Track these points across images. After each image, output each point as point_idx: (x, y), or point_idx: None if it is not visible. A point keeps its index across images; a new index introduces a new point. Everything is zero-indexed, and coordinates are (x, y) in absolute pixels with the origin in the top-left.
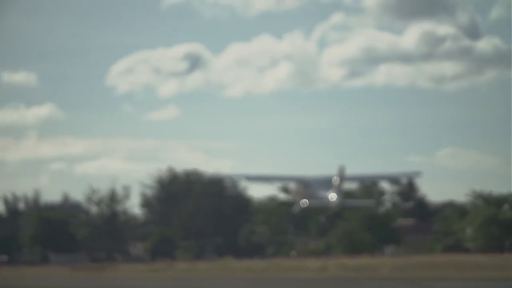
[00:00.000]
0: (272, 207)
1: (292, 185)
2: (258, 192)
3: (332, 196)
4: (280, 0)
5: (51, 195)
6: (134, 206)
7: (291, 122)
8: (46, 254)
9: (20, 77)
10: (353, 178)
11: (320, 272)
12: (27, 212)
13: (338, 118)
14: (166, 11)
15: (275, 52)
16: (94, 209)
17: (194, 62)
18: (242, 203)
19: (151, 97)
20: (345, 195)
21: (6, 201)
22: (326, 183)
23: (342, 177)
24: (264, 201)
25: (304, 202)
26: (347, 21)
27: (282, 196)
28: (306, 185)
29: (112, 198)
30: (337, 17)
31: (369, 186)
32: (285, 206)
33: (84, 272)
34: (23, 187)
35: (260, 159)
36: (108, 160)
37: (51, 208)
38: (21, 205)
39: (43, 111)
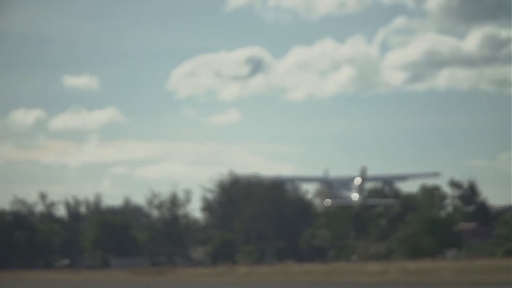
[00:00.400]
0: (333, 210)
1: (317, 186)
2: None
3: (354, 196)
4: (342, 3)
5: (112, 199)
6: (195, 210)
7: (352, 126)
8: (107, 258)
9: (83, 81)
10: (373, 179)
11: (381, 276)
12: (88, 216)
13: (399, 122)
14: (228, 14)
15: (337, 55)
16: (155, 213)
17: (256, 66)
18: (303, 206)
19: (213, 101)
20: (407, 198)
21: (67, 205)
22: (348, 183)
23: (364, 178)
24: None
25: (328, 201)
26: (409, 24)
27: None
28: (330, 186)
29: (173, 202)
30: (399, 21)
31: (430, 190)
32: (346, 209)
33: (144, 276)
34: (85, 191)
35: (321, 162)
36: (169, 164)
37: (112, 212)
38: (83, 209)
39: (105, 115)
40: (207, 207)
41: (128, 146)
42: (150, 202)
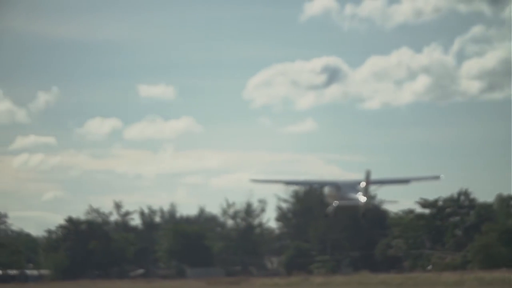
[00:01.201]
0: (408, 220)
1: (326, 189)
2: (395, 205)
3: (360, 198)
4: (419, 12)
5: (187, 208)
6: (269, 219)
7: (428, 135)
8: (182, 268)
9: (159, 90)
10: (376, 182)
11: (457, 287)
12: (163, 226)
13: (476, 131)
14: (305, 24)
15: (413, 64)
16: (229, 223)
17: (332, 75)
18: (379, 216)
19: (288, 110)
20: (483, 207)
21: (142, 215)
22: (355, 186)
23: (368, 181)
24: (400, 214)
25: (336, 203)
26: (487, 33)
27: (419, 209)
28: (338, 189)
29: (248, 211)
30: (476, 30)
31: (506, 199)
32: (422, 219)
33: (219, 286)
34: (160, 201)
35: (397, 171)
36: (244, 173)
37: (187, 221)
38: (157, 219)
39: (180, 124)
40: (282, 216)
41: (203, 155)
42: (224, 212)
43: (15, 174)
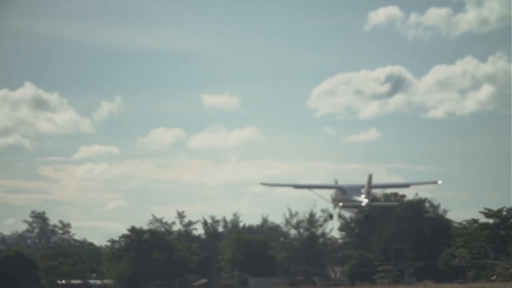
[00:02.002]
0: (472, 230)
1: (332, 192)
2: (458, 215)
3: (362, 199)
4: (484, 21)
5: (250, 218)
6: (333, 229)
7: (492, 144)
8: (245, 278)
9: (223, 100)
10: (378, 186)
11: None
12: (226, 235)
13: None
14: (369, 33)
15: (478, 74)
16: (292, 232)
17: (396, 84)
18: (442, 226)
19: (352, 120)
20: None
21: (205, 224)
22: (358, 189)
23: (370, 185)
24: (464, 224)
25: (340, 204)
26: None
27: (483, 219)
28: (343, 192)
29: (311, 221)
30: None
31: None
32: (486, 229)
33: None
34: (223, 210)
35: (462, 180)
36: (308, 183)
37: (249, 231)
38: (220, 228)
39: (244, 134)
40: (345, 226)
41: (267, 165)
42: (287, 222)
43: (79, 184)
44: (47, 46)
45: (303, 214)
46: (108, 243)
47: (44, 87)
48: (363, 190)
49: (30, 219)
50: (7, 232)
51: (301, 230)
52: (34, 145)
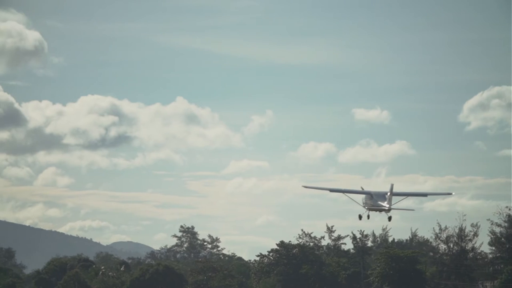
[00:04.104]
0: None
1: (363, 197)
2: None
3: (385, 204)
4: None
5: (399, 232)
6: (482, 244)
7: None
8: None
9: (374, 114)
10: (399, 194)
11: None
12: (375, 250)
13: None
14: None
15: None
16: (442, 247)
17: None
18: None
19: (504, 134)
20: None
21: (354, 239)
22: (384, 195)
23: (391, 192)
24: None
25: (367, 207)
26: None
27: None
28: (371, 197)
29: (461, 236)
30: None
31: None
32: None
33: None
34: (372, 225)
35: None
36: (457, 197)
37: (398, 245)
38: (369, 243)
39: (394, 148)
40: (495, 241)
41: (416, 179)
42: (437, 236)
43: (228, 198)
44: (199, 61)
45: (452, 229)
46: (257, 258)
47: (196, 102)
48: (387, 196)
49: (179, 234)
50: (156, 247)
51: (451, 245)
52: (184, 160)
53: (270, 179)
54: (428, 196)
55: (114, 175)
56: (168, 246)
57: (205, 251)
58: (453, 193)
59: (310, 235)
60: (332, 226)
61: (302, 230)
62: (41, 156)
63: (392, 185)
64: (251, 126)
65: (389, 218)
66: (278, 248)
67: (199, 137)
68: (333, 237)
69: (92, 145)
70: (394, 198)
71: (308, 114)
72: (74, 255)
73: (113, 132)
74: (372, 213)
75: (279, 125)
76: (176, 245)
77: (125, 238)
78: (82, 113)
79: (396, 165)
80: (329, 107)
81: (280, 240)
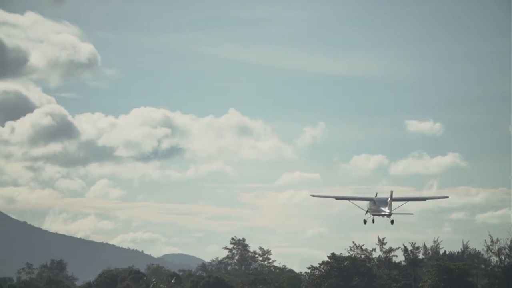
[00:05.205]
0: None
1: (367, 203)
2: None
3: (386, 209)
4: None
5: (451, 244)
6: None
7: None
8: None
9: (426, 126)
10: (399, 199)
11: None
12: (426, 262)
13: None
14: None
15: None
16: (494, 259)
17: None
18: None
19: None
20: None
21: (406, 251)
22: (386, 201)
23: (391, 199)
24: None
25: (370, 211)
26: None
27: None
28: (374, 203)
29: None
30: None
31: None
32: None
33: None
34: (424, 236)
35: None
36: (510, 209)
37: (450, 258)
38: (421, 255)
39: (446, 160)
40: None
41: (469, 191)
42: (488, 249)
43: (279, 210)
44: (251, 72)
45: (504, 241)
46: (308, 270)
47: (248, 114)
48: (388, 202)
49: (230, 246)
50: (207, 259)
51: (502, 257)
52: (236, 172)
53: (321, 191)
54: (465, 211)
55: (166, 187)
56: (219, 258)
57: (256, 263)
58: (449, 196)
59: (361, 247)
60: (383, 238)
61: (353, 242)
62: (93, 168)
63: (391, 192)
64: (303, 138)
65: (392, 222)
66: (329, 260)
67: (252, 149)
68: (384, 249)
69: (145, 157)
70: (396, 204)
71: (360, 126)
72: (125, 267)
73: (165, 144)
74: (376, 218)
75: (331, 137)
76: (227, 257)
77: (176, 250)
78: (135, 125)
79: (448, 177)
80: (381, 119)
81: (331, 252)
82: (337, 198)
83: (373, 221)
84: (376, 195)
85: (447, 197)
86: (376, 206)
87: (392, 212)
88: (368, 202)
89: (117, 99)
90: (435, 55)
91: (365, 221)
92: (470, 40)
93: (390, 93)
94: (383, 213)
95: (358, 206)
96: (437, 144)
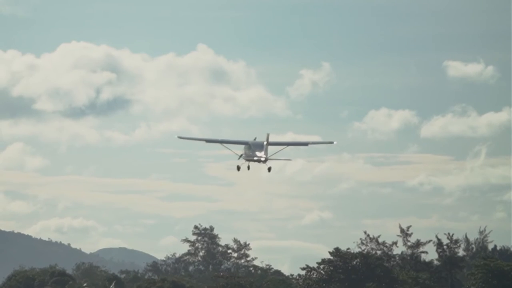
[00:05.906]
0: None
1: (243, 148)
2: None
3: (262, 154)
4: None
5: (503, 237)
6: None
7: None
8: None
9: (473, 69)
10: (275, 143)
11: None
12: (469, 262)
13: None
14: None
15: None
16: None
17: None
18: None
19: None
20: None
21: (439, 245)
22: (261, 146)
23: (267, 142)
24: None
25: (244, 157)
26: None
27: None
28: (249, 147)
29: None
30: None
31: None
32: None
33: None
34: (465, 226)
35: None
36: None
37: (502, 255)
38: (461, 251)
39: (501, 118)
40: None
41: None
42: None
43: (263, 188)
44: None
45: None
46: (302, 272)
47: (224, 53)
48: (264, 147)
49: (193, 237)
50: (161, 256)
51: None
52: (205, 133)
53: (323, 160)
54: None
55: (105, 155)
56: (177, 255)
57: (228, 262)
58: (335, 142)
59: (377, 240)
60: (408, 228)
61: (365, 232)
62: (4, 128)
63: (268, 135)
64: (299, 85)
65: (269, 169)
66: (332, 258)
67: (227, 102)
68: (409, 243)
69: (77, 113)
70: (275, 149)
71: (380, 68)
72: (46, 267)
73: (106, 94)
74: (252, 164)
75: (338, 84)
76: (189, 253)
77: (117, 243)
78: (63, 68)
79: (503, 141)
80: (409, 59)
81: (335, 247)
82: (208, 141)
83: (248, 167)
84: (255, 139)
85: (332, 142)
86: (251, 150)
87: (268, 157)
88: (243, 146)
89: (39, 31)
90: None
91: (238, 167)
92: None
93: (423, 23)
94: (256, 158)
95: (229, 149)
96: (488, 96)
